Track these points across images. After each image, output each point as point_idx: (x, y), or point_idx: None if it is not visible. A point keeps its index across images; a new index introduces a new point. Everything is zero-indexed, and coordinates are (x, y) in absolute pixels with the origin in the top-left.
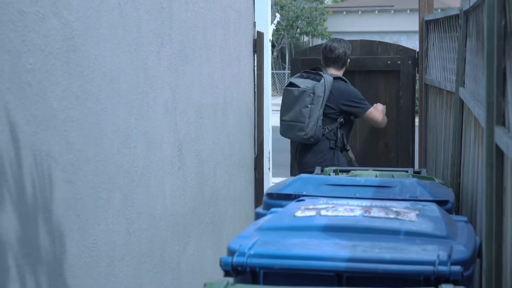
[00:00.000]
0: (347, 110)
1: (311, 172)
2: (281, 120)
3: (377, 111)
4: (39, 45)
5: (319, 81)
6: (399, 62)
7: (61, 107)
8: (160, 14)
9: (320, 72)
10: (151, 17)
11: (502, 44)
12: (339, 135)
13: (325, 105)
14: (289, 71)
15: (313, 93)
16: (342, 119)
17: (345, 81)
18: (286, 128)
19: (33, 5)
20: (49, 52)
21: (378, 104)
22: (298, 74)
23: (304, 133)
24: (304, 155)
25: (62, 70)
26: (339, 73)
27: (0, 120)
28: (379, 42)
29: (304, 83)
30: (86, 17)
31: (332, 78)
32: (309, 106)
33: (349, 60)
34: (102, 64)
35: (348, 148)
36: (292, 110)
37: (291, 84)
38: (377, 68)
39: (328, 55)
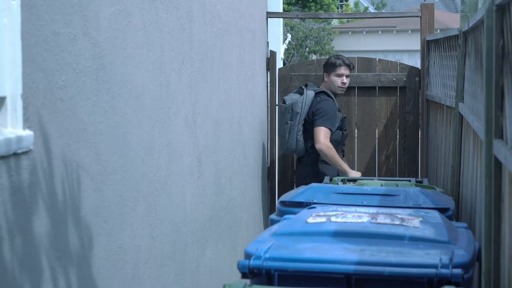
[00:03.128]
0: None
1: (305, 184)
2: None
3: (323, 133)
4: (70, 64)
5: (301, 94)
6: (405, 79)
7: (90, 121)
8: (181, 35)
9: (304, 87)
10: (173, 37)
11: (500, 63)
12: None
13: (305, 120)
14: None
15: (292, 110)
16: None
17: (330, 96)
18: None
19: (65, 27)
20: (80, 70)
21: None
22: (296, 89)
23: (286, 147)
24: (297, 167)
25: (91, 86)
26: (324, 86)
27: (35, 133)
28: (379, 59)
29: (289, 99)
30: (114, 37)
31: (313, 93)
32: (289, 122)
33: (330, 71)
34: (128, 81)
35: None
36: (280, 125)
37: (282, 100)
38: (381, 84)
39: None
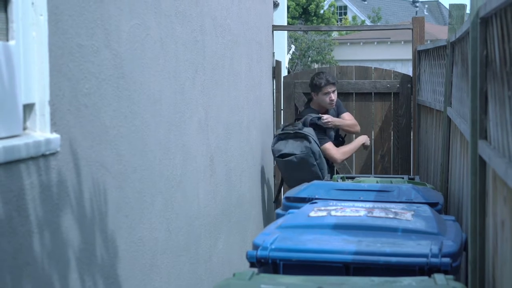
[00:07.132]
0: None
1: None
2: (287, 184)
3: (331, 149)
4: (94, 73)
5: (305, 138)
6: (398, 85)
7: (112, 124)
8: (195, 46)
9: (299, 130)
10: (187, 49)
11: (484, 70)
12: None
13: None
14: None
15: (313, 152)
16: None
17: (315, 110)
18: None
19: (89, 39)
20: (102, 79)
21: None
22: (276, 138)
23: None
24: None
25: (113, 93)
26: (314, 103)
27: (61, 136)
28: (375, 68)
29: (294, 147)
30: (133, 49)
31: (310, 128)
32: (315, 163)
33: (317, 91)
34: (147, 88)
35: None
36: (298, 174)
37: (280, 155)
38: (376, 91)
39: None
